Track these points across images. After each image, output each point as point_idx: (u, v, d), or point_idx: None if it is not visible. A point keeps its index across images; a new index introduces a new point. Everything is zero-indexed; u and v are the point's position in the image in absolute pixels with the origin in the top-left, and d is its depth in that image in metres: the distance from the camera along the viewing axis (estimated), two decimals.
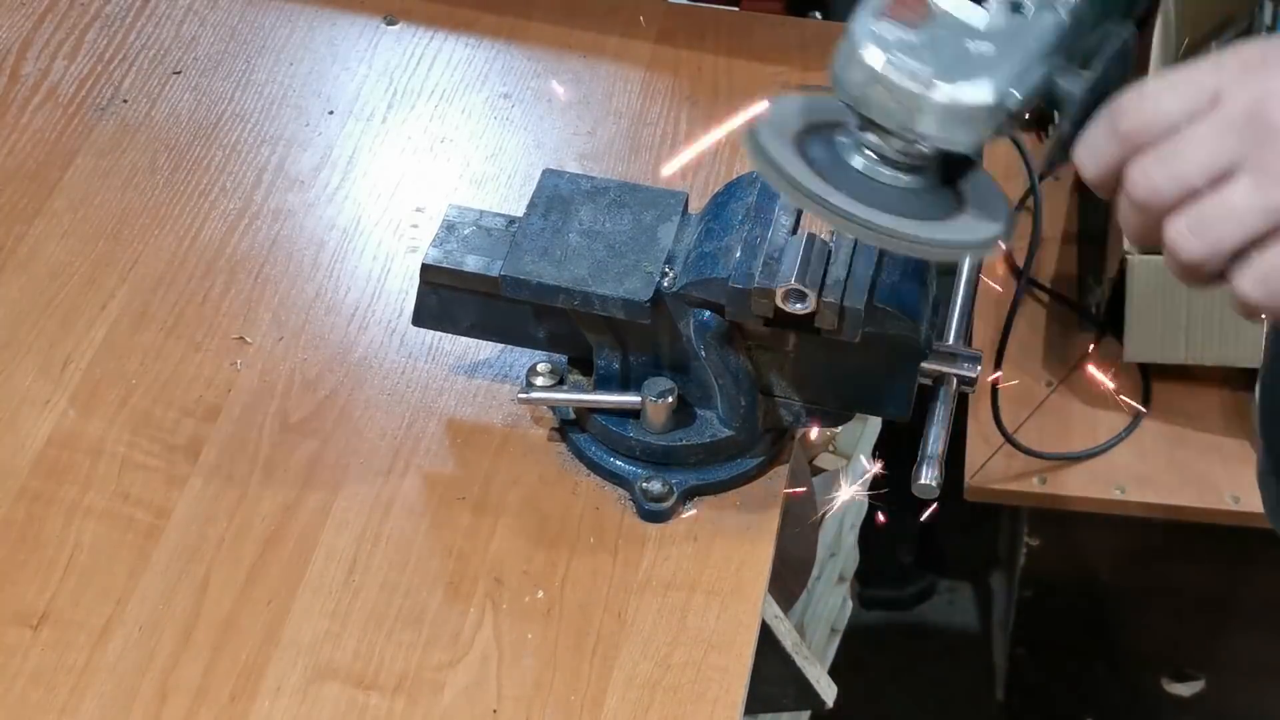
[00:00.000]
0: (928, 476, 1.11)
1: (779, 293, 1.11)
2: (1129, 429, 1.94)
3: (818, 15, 1.87)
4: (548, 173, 1.24)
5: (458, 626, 1.12)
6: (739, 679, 1.10)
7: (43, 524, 1.18)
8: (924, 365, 1.17)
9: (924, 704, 2.34)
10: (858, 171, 1.00)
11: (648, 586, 1.15)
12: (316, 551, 1.16)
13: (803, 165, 1.01)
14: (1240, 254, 0.86)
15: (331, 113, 1.50)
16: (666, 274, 1.17)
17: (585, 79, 1.55)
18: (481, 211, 1.24)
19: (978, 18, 0.94)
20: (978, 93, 0.93)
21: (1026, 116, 0.96)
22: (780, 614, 1.32)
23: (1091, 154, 0.91)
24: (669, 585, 1.15)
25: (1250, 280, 0.86)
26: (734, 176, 1.22)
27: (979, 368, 1.17)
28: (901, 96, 0.94)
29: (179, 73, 1.54)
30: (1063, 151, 0.95)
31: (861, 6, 0.96)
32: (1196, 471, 1.91)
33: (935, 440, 1.13)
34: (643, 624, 1.13)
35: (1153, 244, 0.90)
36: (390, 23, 1.59)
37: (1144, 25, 2.42)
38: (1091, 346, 2.01)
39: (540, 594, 1.14)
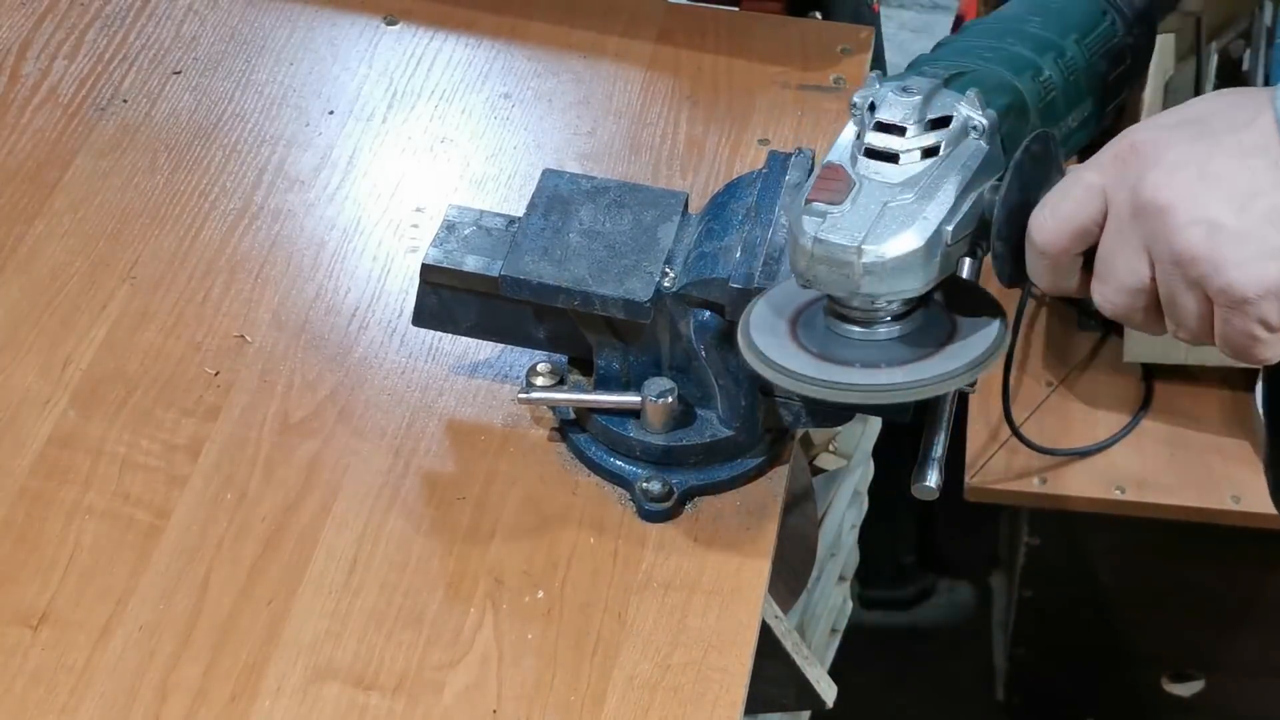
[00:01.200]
0: (930, 479, 1.11)
1: None
2: (1129, 429, 1.94)
3: (818, 15, 1.87)
4: (548, 173, 1.24)
5: (458, 626, 1.12)
6: (739, 679, 1.10)
7: (43, 524, 1.18)
8: None
9: (924, 704, 2.34)
10: (856, 336, 1.05)
11: (648, 586, 1.15)
12: (316, 551, 1.16)
13: (794, 347, 1.06)
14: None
15: (331, 113, 1.50)
16: (666, 274, 1.17)
17: (585, 79, 1.55)
18: (482, 211, 1.24)
19: (895, 175, 1.00)
20: (904, 244, 0.99)
21: (973, 239, 1.02)
22: (780, 614, 1.32)
23: (1037, 276, 1.00)
24: (669, 585, 1.15)
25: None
26: (734, 176, 1.22)
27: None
28: (839, 267, 1.00)
29: (179, 73, 1.54)
30: (1004, 261, 1.02)
31: (797, 195, 1.03)
32: (1196, 471, 1.91)
33: (937, 442, 1.12)
34: (643, 624, 1.13)
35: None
36: (390, 23, 1.59)
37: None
38: (1091, 346, 2.01)
39: (540, 594, 1.14)
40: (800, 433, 1.26)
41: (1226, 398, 1.95)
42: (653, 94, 1.53)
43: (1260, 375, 1.91)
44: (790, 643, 1.33)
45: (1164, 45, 2.33)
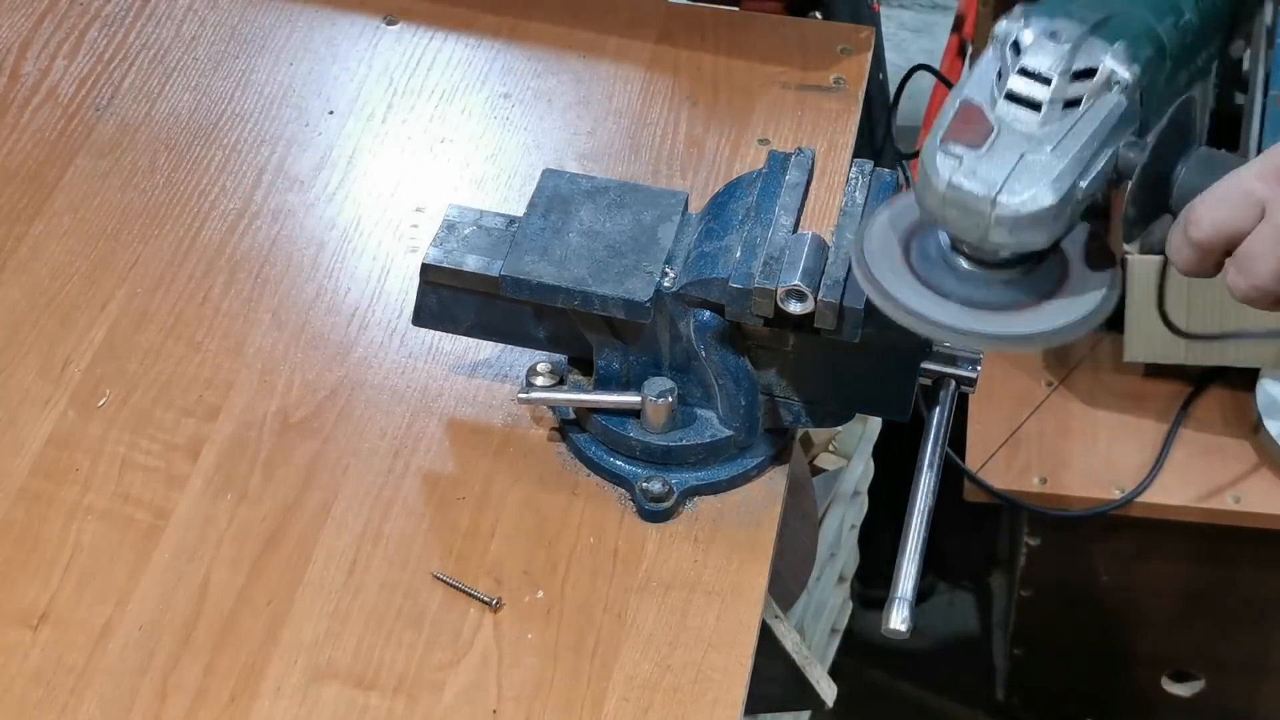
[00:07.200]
0: (897, 620, 1.07)
1: (779, 293, 1.11)
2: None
3: (818, 15, 1.87)
4: (548, 173, 1.24)
5: (458, 626, 1.12)
6: (739, 679, 1.10)
7: (43, 524, 1.18)
8: (924, 365, 1.17)
9: (924, 704, 2.34)
10: (965, 270, 1.05)
11: (648, 586, 1.15)
12: (316, 551, 1.16)
13: (907, 273, 1.06)
14: None
15: (331, 113, 1.51)
16: (666, 274, 1.17)
17: (585, 79, 1.55)
18: (482, 211, 1.24)
19: (1035, 124, 0.99)
20: (1039, 200, 0.98)
21: (1101, 195, 1.01)
22: (780, 614, 1.32)
23: (1177, 257, 1.00)
24: (669, 585, 1.15)
25: None
26: (734, 176, 1.22)
27: (978, 368, 1.18)
28: (971, 215, 0.99)
29: (179, 73, 1.54)
30: (1133, 223, 1.01)
31: (932, 131, 1.01)
32: (1196, 471, 1.90)
33: (907, 578, 1.10)
34: (643, 624, 1.13)
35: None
36: (390, 23, 1.59)
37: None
38: (1091, 347, 2.00)
39: (540, 594, 1.14)
40: (800, 432, 1.26)
41: (1226, 397, 1.95)
42: (653, 94, 1.53)
43: (1260, 374, 1.91)
44: (790, 643, 1.33)
45: None
